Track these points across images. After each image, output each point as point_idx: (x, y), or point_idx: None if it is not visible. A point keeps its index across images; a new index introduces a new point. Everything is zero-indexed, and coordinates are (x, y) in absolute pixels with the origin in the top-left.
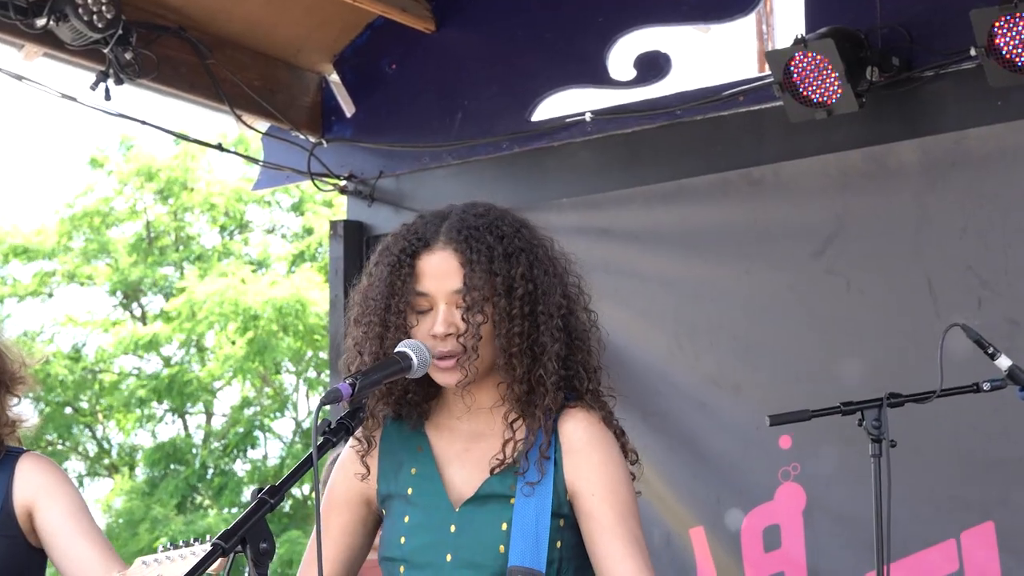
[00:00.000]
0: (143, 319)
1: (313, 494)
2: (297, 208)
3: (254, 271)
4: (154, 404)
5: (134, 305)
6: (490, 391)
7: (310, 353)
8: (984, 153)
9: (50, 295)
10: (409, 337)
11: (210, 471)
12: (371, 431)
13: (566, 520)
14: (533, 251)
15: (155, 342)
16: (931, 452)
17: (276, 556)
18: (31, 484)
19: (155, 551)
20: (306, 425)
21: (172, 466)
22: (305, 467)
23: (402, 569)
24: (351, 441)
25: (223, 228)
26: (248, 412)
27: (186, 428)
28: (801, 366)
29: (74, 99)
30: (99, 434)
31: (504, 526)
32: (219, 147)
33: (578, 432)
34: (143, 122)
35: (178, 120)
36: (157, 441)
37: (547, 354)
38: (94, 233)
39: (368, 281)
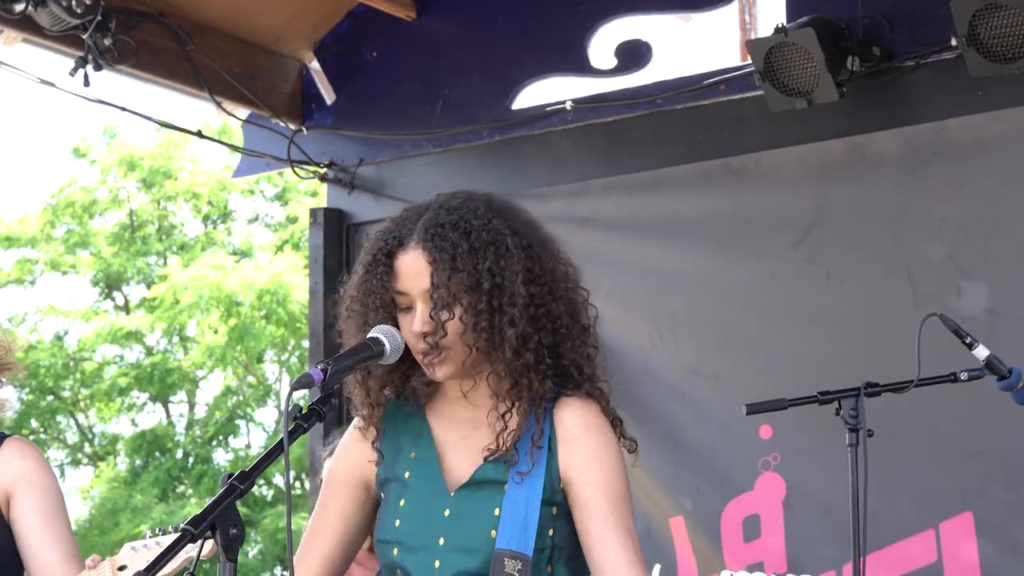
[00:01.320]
0: (126, 308)
1: (309, 480)
2: (281, 197)
3: (237, 261)
4: (135, 393)
5: (116, 294)
6: (484, 381)
7: (293, 342)
8: (965, 143)
9: (32, 283)
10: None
11: (191, 460)
12: (373, 416)
13: (559, 508)
14: (502, 243)
15: (138, 332)
16: (910, 443)
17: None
18: (12, 471)
19: (142, 537)
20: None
21: (155, 455)
22: (276, 453)
23: (396, 551)
24: (352, 424)
25: (206, 218)
26: (231, 401)
27: (168, 417)
28: (781, 356)
29: (53, 85)
30: (81, 423)
31: (496, 511)
32: (199, 134)
33: (573, 420)
34: (123, 108)
35: (160, 108)
36: (138, 430)
37: (528, 344)
38: (77, 222)
39: (352, 279)
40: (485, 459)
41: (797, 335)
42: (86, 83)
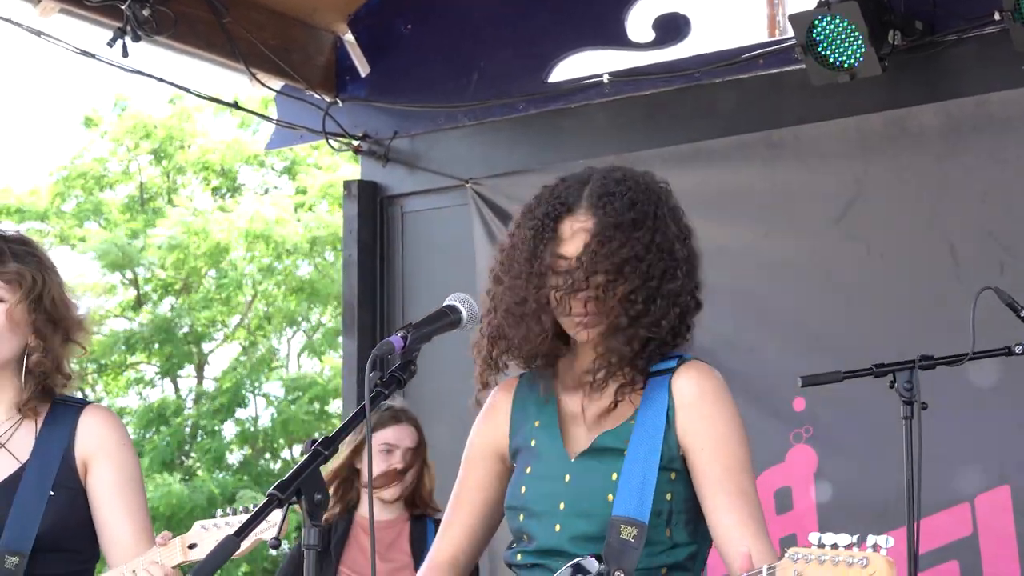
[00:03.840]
0: (135, 283)
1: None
2: (290, 171)
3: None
4: (143, 367)
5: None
6: (613, 349)
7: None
8: (1006, 117)
9: None
10: (549, 299)
11: (200, 433)
12: (504, 386)
13: (678, 474)
14: (661, 218)
15: (146, 298)
16: (948, 416)
17: None
18: (92, 439)
19: (211, 516)
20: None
21: (160, 429)
22: (358, 419)
23: (522, 517)
24: (488, 397)
25: (215, 190)
26: (238, 372)
27: (177, 391)
28: (819, 330)
29: (94, 56)
30: (89, 396)
31: (614, 476)
32: (235, 105)
33: (691, 388)
34: (160, 79)
35: (184, 80)
36: (146, 403)
37: (667, 318)
38: (87, 195)
39: (511, 241)
40: (608, 425)
41: (837, 309)
42: (124, 54)
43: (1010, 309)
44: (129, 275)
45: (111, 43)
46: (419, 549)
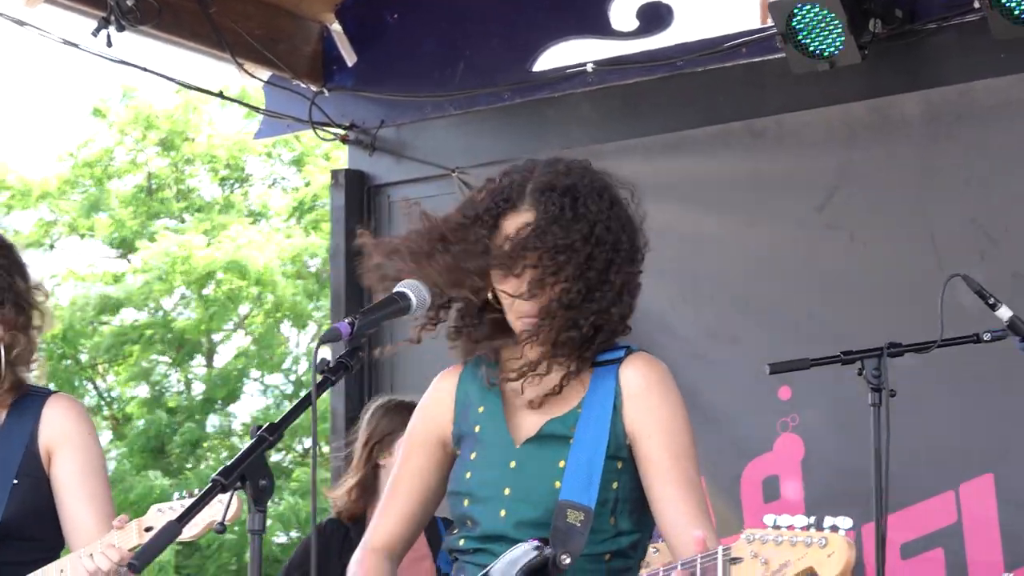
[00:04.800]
0: (144, 271)
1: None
2: (298, 161)
3: (254, 222)
4: (153, 356)
5: (132, 257)
6: (555, 338)
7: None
8: (988, 106)
9: (51, 247)
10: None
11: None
12: (447, 374)
13: (624, 463)
14: (599, 210)
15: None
16: (932, 404)
17: None
18: (55, 428)
19: (169, 499)
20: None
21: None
22: (304, 405)
23: (466, 503)
24: (431, 386)
25: (223, 181)
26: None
27: (187, 381)
28: (802, 319)
29: (76, 45)
30: (100, 386)
31: (561, 464)
32: (220, 95)
33: (637, 378)
34: (144, 69)
35: (180, 70)
36: (153, 394)
37: (614, 306)
38: (95, 184)
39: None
40: (553, 413)
41: (819, 298)
42: (108, 44)
43: (979, 296)
44: (138, 263)
45: (95, 33)
46: (435, 541)
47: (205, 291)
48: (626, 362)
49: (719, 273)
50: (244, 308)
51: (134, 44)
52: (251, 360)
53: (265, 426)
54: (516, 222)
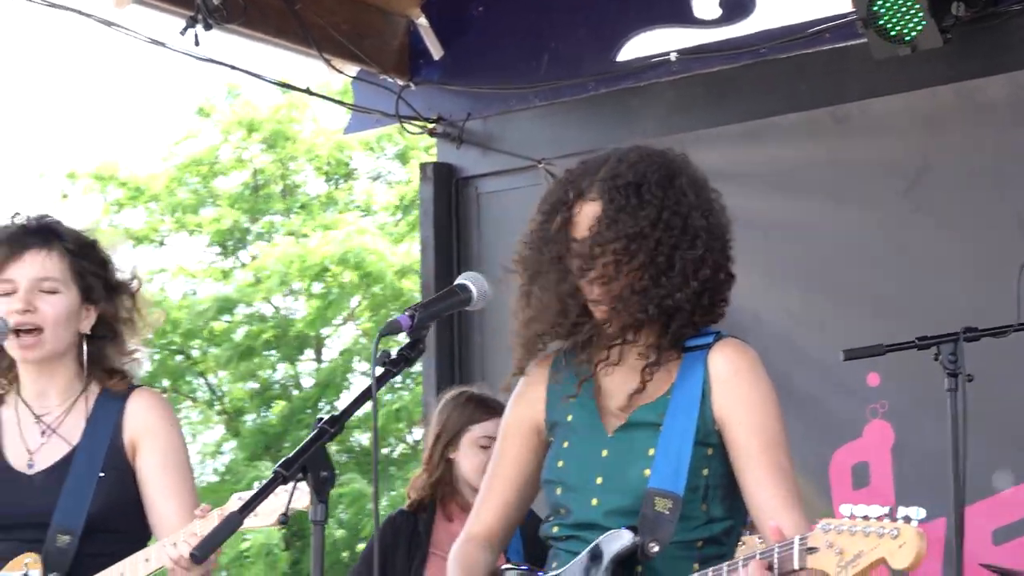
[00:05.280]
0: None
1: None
2: (402, 156)
3: (361, 217)
4: (265, 352)
5: (241, 253)
6: (643, 326)
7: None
8: None
9: (161, 243)
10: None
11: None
12: (540, 362)
13: (715, 449)
14: (669, 198)
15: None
16: (1019, 391)
17: None
18: (139, 422)
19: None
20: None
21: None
22: (365, 398)
23: (559, 491)
24: (526, 373)
25: (328, 176)
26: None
27: (296, 375)
28: (888, 304)
29: (163, 44)
30: (211, 382)
31: (651, 452)
32: (307, 91)
33: (726, 363)
34: (232, 67)
35: (276, 66)
36: (264, 388)
37: (681, 290)
38: (202, 182)
39: (532, 227)
40: (643, 400)
41: (905, 283)
42: (196, 42)
43: None
44: (247, 259)
45: (183, 32)
46: None
47: (317, 286)
48: (715, 348)
49: (805, 259)
50: (353, 301)
51: (232, 43)
52: (359, 353)
53: (326, 418)
54: (587, 213)
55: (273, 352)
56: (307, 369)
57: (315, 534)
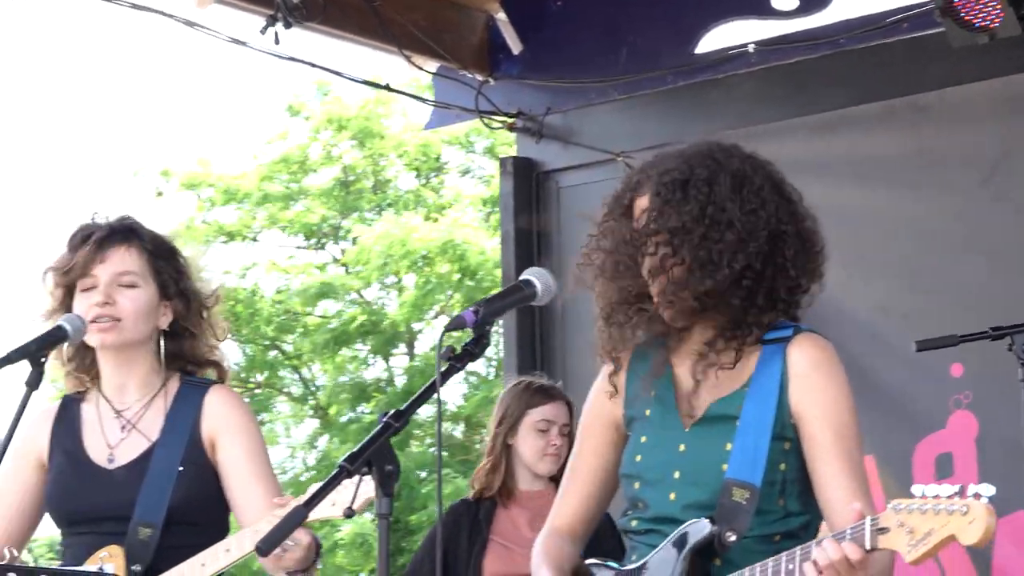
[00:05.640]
0: (344, 264)
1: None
2: (492, 150)
3: (446, 210)
4: (358, 345)
5: (331, 246)
6: (717, 320)
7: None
8: None
9: (254, 239)
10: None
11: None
12: (621, 357)
13: (792, 444)
14: (717, 190)
15: (340, 287)
16: None
17: None
18: (216, 416)
19: None
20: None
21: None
22: (430, 392)
23: (637, 485)
24: (604, 367)
25: (419, 172)
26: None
27: (388, 369)
28: (970, 293)
29: (244, 44)
30: (305, 376)
31: (728, 446)
32: (387, 87)
33: (804, 357)
34: (312, 64)
35: (365, 64)
36: (345, 381)
37: (737, 284)
38: (292, 179)
39: (599, 224)
40: (721, 394)
41: (987, 271)
42: (276, 41)
43: None
44: (338, 254)
45: (263, 30)
46: None
47: (409, 277)
48: (793, 342)
49: (886, 249)
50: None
51: (316, 41)
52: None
53: (391, 412)
54: (639, 207)
55: (365, 347)
56: (400, 364)
57: (380, 527)
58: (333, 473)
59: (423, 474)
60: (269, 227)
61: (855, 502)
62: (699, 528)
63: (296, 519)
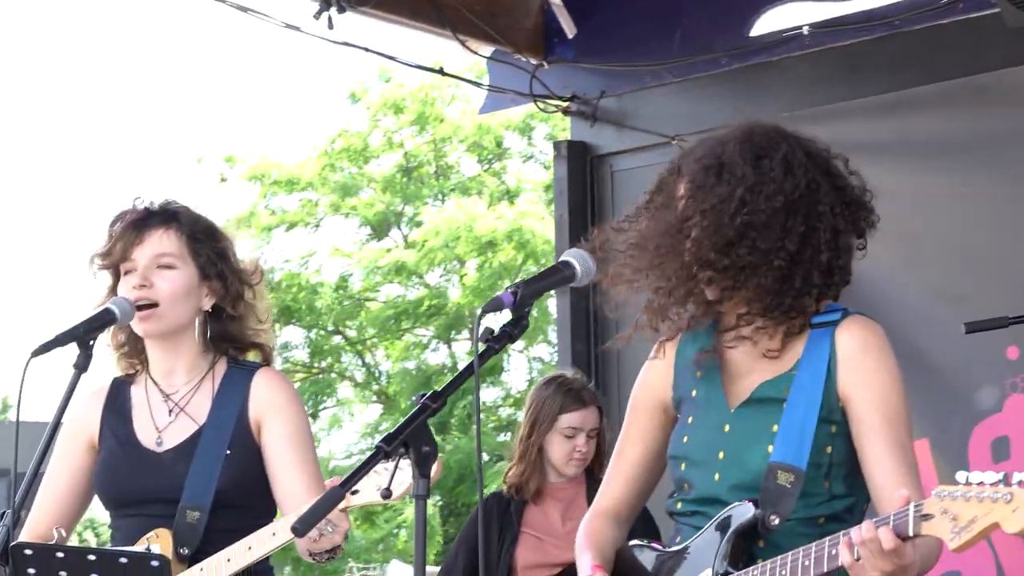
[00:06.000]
0: (407, 248)
1: None
2: (552, 136)
3: (510, 200)
4: (421, 331)
5: (394, 232)
6: (763, 303)
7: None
8: None
9: (317, 226)
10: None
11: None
12: (669, 339)
13: (838, 427)
14: (747, 172)
15: (403, 267)
16: None
17: None
18: (263, 399)
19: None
20: None
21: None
22: (467, 374)
23: (683, 466)
24: (652, 350)
25: (481, 157)
26: None
27: (452, 355)
28: None
29: (298, 28)
30: (368, 361)
31: (774, 428)
32: (441, 71)
33: (853, 341)
34: (366, 49)
35: (424, 49)
36: (408, 367)
37: (768, 266)
38: (353, 165)
39: (646, 206)
40: (767, 376)
41: None
42: (330, 25)
43: None
44: (399, 239)
45: (316, 15)
46: None
47: (471, 263)
48: (842, 325)
49: (942, 232)
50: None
51: (370, 26)
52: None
53: (428, 394)
54: (679, 191)
55: (428, 331)
56: (462, 349)
57: (417, 508)
58: (370, 454)
59: (487, 458)
60: (332, 214)
61: (903, 487)
62: (743, 511)
63: (333, 499)
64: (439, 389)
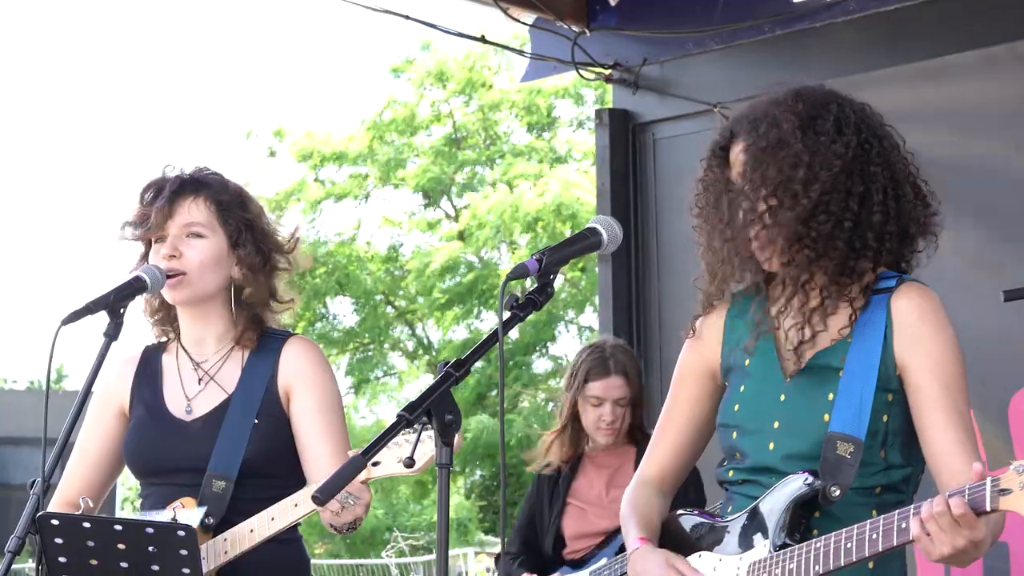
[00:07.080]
0: (456, 218)
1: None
2: (601, 100)
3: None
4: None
5: (444, 202)
6: (820, 271)
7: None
8: None
9: (366, 197)
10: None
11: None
12: (719, 306)
13: (895, 395)
14: (810, 136)
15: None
16: None
17: None
18: (292, 368)
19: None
20: None
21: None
22: (491, 342)
23: (735, 435)
24: (701, 317)
25: (531, 125)
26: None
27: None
28: None
29: None
30: (419, 332)
31: (830, 396)
32: (482, 39)
33: (910, 307)
34: (407, 17)
35: (470, 17)
36: (459, 338)
37: (866, 228)
38: (401, 137)
39: (701, 174)
40: (823, 345)
41: None
42: None
43: None
44: (450, 210)
45: None
46: None
47: (522, 238)
48: (898, 292)
49: (984, 200)
50: None
51: None
52: (567, 303)
53: (451, 362)
54: (736, 157)
55: (476, 302)
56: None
57: (440, 477)
58: (392, 422)
59: (536, 427)
60: (380, 187)
61: (963, 456)
62: (801, 483)
63: (354, 467)
64: (462, 357)
